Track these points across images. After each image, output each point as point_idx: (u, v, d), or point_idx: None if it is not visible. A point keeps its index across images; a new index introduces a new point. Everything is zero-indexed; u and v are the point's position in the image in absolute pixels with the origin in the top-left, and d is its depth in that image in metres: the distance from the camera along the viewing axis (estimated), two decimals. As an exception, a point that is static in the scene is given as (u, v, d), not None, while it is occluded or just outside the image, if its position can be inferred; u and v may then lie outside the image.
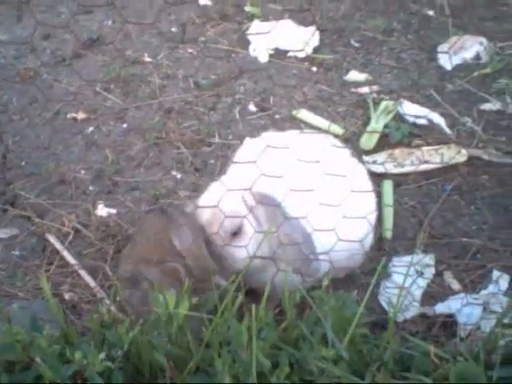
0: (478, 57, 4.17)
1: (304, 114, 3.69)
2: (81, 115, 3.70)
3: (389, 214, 3.13)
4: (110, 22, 4.50)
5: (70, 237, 3.05)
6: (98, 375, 1.92)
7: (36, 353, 1.88)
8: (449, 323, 2.72)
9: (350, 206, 2.43)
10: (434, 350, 2.19)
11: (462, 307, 2.68)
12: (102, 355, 1.91)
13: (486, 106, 3.80)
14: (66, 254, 2.94)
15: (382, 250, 3.02)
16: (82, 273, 2.85)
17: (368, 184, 2.75)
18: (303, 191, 2.30)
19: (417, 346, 2.26)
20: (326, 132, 3.56)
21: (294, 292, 2.15)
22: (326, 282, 2.17)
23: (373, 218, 2.72)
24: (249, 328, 2.01)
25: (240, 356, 1.99)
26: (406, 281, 2.55)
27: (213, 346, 2.04)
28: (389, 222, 3.10)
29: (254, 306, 2.01)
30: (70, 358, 1.93)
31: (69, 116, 3.71)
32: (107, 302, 2.65)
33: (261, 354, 1.98)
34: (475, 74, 4.03)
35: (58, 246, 2.99)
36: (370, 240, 2.73)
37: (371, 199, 2.76)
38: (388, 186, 3.26)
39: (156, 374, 2.05)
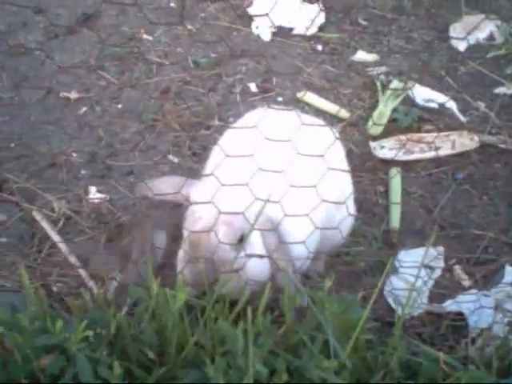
0: (491, 37, 3.97)
1: (308, 97, 3.50)
2: (74, 94, 3.52)
3: (396, 205, 2.96)
4: (106, -3, 4.29)
5: (61, 223, 2.90)
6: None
7: (16, 331, 1.70)
8: (458, 321, 2.57)
9: (326, 188, 2.20)
10: (444, 357, 2.03)
11: (473, 306, 2.54)
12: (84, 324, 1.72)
13: (500, 90, 3.62)
14: (56, 241, 2.78)
15: (388, 242, 2.86)
16: (73, 262, 2.70)
17: (344, 164, 2.53)
18: (274, 172, 2.08)
19: (424, 351, 2.11)
20: (331, 116, 3.41)
21: (294, 294, 1.99)
22: (328, 283, 2.00)
23: (350, 202, 2.50)
24: (245, 333, 1.85)
25: (235, 362, 1.84)
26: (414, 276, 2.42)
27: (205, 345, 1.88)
28: (396, 215, 2.93)
29: (249, 310, 1.85)
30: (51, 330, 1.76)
31: (61, 95, 3.52)
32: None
33: (257, 360, 1.83)
34: (489, 55, 3.84)
35: (48, 233, 2.83)
36: (348, 225, 2.54)
37: (348, 180, 2.54)
38: (396, 174, 3.09)
39: (143, 363, 1.89)
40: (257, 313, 1.91)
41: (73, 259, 2.74)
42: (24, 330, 1.71)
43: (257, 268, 2.17)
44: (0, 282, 2.67)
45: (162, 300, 1.83)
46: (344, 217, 2.37)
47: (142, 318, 1.86)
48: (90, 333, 1.72)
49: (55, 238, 2.80)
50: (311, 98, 3.49)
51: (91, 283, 2.62)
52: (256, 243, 2.18)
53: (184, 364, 1.87)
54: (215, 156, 2.45)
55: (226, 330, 1.83)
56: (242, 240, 2.15)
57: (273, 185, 2.14)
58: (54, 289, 2.63)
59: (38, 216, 2.89)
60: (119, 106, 3.51)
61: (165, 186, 2.34)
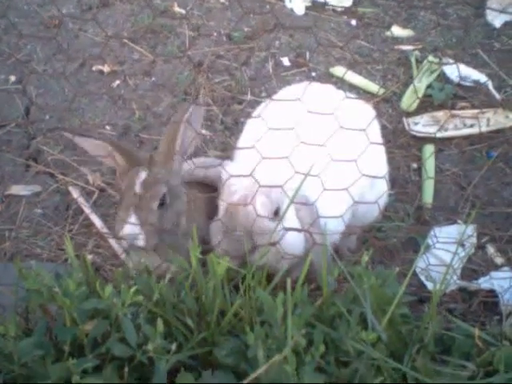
0: (528, 13, 3.90)
1: (342, 72, 3.48)
2: (107, 68, 3.54)
3: (429, 182, 2.95)
4: (138, -31, 4.27)
5: (95, 196, 2.94)
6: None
7: (64, 295, 1.73)
8: (490, 299, 2.57)
9: (362, 164, 2.18)
10: (478, 332, 2.03)
11: (506, 284, 2.54)
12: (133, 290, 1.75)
13: (537, 68, 3.56)
14: (90, 214, 2.82)
15: (420, 219, 2.85)
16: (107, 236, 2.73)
17: (380, 140, 2.53)
18: (315, 145, 2.08)
19: (459, 326, 2.11)
20: (364, 91, 3.39)
21: (332, 267, 2.00)
22: (365, 258, 2.00)
23: (386, 178, 2.50)
24: (284, 303, 1.86)
25: (274, 331, 1.86)
26: (447, 253, 2.42)
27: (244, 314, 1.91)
28: (429, 191, 2.92)
29: (289, 281, 1.87)
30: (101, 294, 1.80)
31: (94, 68, 3.54)
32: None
33: (296, 331, 1.84)
34: (525, 31, 3.78)
35: (83, 205, 2.87)
36: (384, 199, 2.54)
37: (383, 155, 2.54)
38: (429, 151, 3.08)
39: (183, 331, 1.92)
40: (295, 284, 1.92)
41: (106, 231, 2.78)
42: (70, 295, 1.74)
43: (292, 241, 2.19)
44: (37, 252, 2.72)
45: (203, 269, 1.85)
46: (382, 193, 2.37)
47: (182, 286, 1.88)
48: (140, 298, 1.75)
49: (90, 214, 2.84)
50: (344, 73, 3.47)
51: (123, 256, 2.66)
52: (291, 217, 2.20)
53: (223, 332, 1.89)
54: (251, 128, 2.46)
55: (265, 299, 1.84)
56: (277, 213, 2.17)
57: (311, 159, 2.14)
58: (89, 258, 2.67)
59: (74, 193, 2.92)
60: (152, 79, 3.52)
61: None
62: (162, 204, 2.13)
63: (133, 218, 2.07)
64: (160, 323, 1.73)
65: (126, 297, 1.73)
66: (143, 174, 2.13)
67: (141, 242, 2.09)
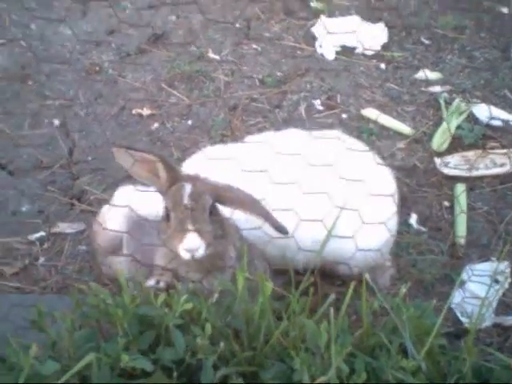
0: (554, 56, 3.99)
1: (372, 113, 3.58)
2: (146, 111, 3.68)
3: (462, 219, 3.01)
4: (174, 18, 4.46)
5: (135, 232, 3.03)
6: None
7: (119, 308, 1.82)
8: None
9: (368, 211, 2.37)
10: (515, 363, 2.07)
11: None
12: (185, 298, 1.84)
13: None
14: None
15: (454, 256, 2.90)
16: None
17: (390, 187, 2.64)
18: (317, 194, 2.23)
19: (496, 358, 2.15)
20: (395, 132, 3.49)
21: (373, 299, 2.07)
22: (403, 290, 2.07)
23: (393, 223, 2.60)
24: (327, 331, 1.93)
25: (317, 358, 1.92)
26: (481, 289, 2.47)
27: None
28: (462, 228, 2.98)
29: (332, 310, 1.94)
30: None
31: (134, 112, 3.69)
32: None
33: (339, 359, 1.90)
34: (552, 73, 3.86)
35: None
36: (389, 246, 2.66)
37: (390, 203, 2.60)
38: (461, 190, 3.14)
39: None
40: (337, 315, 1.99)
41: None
42: (124, 307, 1.84)
43: None
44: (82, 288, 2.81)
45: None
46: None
47: (229, 308, 1.96)
48: (190, 305, 1.83)
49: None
50: (376, 114, 3.57)
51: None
52: None
53: (268, 355, 1.96)
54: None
55: (310, 327, 1.91)
56: None
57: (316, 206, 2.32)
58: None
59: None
60: (189, 122, 3.65)
61: None
62: (210, 213, 2.16)
63: (192, 230, 2.09)
64: (208, 326, 1.79)
65: (177, 305, 1.82)
66: (188, 188, 2.16)
67: (201, 252, 2.09)
